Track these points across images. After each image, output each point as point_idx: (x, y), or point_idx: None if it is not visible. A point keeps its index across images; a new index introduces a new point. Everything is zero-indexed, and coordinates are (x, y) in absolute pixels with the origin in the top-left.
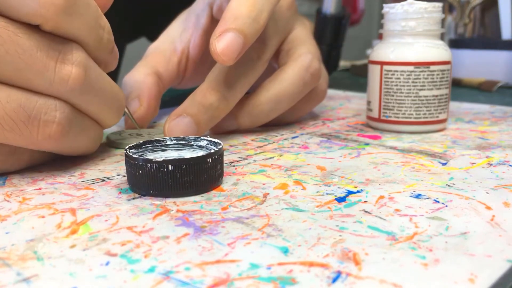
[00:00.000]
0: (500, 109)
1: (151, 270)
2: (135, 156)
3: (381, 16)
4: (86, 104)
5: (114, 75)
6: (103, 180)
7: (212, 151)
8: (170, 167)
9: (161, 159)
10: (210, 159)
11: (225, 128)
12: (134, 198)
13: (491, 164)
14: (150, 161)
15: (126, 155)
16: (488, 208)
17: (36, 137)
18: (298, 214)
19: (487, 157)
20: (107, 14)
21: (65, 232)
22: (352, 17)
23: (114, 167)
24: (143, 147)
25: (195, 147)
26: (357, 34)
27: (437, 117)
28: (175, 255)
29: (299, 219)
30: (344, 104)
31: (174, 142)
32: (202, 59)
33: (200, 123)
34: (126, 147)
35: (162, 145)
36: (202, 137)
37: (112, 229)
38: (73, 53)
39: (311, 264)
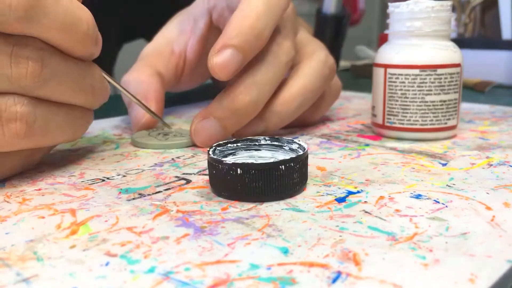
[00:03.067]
0: (500, 109)
1: (151, 270)
2: (211, 155)
3: (386, 16)
4: (50, 94)
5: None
6: (103, 180)
7: (294, 156)
8: (239, 171)
9: (231, 162)
10: (283, 166)
11: (252, 132)
12: (134, 199)
13: (491, 165)
14: (221, 162)
15: (208, 152)
16: (488, 208)
17: (4, 138)
18: (298, 215)
19: (487, 157)
20: (105, 15)
21: (65, 233)
22: (352, 17)
23: (114, 167)
24: (236, 145)
25: (287, 149)
26: (357, 34)
27: (445, 123)
28: (175, 256)
29: (299, 219)
30: (344, 104)
31: (268, 142)
32: (198, 64)
33: (226, 127)
34: (215, 144)
35: (255, 144)
36: (295, 140)
37: (112, 229)
38: (28, 46)
39: (311, 265)
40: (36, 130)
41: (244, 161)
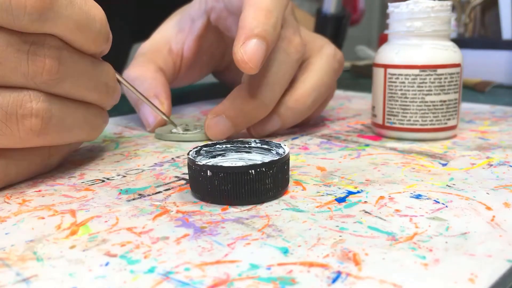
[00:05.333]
0: (500, 109)
1: (151, 270)
2: (189, 155)
3: (386, 16)
4: (67, 91)
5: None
6: (103, 181)
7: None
8: (209, 173)
9: (201, 163)
10: (253, 171)
11: (269, 129)
12: (134, 199)
13: (492, 165)
14: (194, 162)
15: (188, 152)
16: (488, 208)
17: (18, 134)
18: (298, 215)
19: (487, 157)
20: (119, 14)
21: (65, 233)
22: (352, 17)
23: (114, 167)
24: (225, 146)
25: (274, 153)
26: (357, 34)
27: (446, 123)
28: (174, 256)
29: (299, 219)
30: (344, 104)
31: (258, 145)
32: (194, 62)
33: (238, 126)
34: (202, 145)
35: (245, 147)
36: (282, 145)
37: (111, 230)
38: (45, 44)
39: (311, 265)
40: (52, 127)
41: (231, 163)
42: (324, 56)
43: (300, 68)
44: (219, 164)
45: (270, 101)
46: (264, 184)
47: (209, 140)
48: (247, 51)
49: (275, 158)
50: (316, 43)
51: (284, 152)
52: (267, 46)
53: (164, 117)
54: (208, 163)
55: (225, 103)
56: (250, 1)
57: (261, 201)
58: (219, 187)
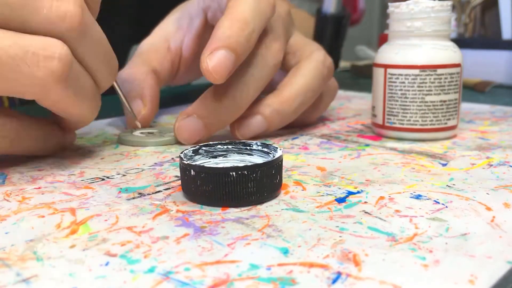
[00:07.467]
0: (500, 109)
1: (151, 270)
2: (182, 154)
3: (386, 16)
4: (84, 52)
5: None
6: (103, 179)
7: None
8: (192, 172)
9: (187, 162)
10: (234, 173)
11: (254, 131)
12: (134, 198)
13: (492, 165)
14: (181, 160)
15: (181, 153)
16: (488, 209)
17: (38, 73)
18: (298, 215)
19: (487, 157)
20: (117, 17)
21: (65, 232)
22: (352, 17)
23: (114, 166)
24: (226, 147)
25: (271, 156)
26: (357, 34)
27: (446, 123)
28: (175, 256)
29: (299, 219)
30: (344, 104)
31: (260, 148)
32: (193, 61)
33: (208, 126)
34: (202, 144)
35: (247, 149)
36: (279, 149)
37: (111, 229)
38: None
39: (311, 265)
40: (70, 79)
41: (233, 164)
42: (313, 62)
43: (288, 72)
44: (219, 164)
45: (242, 101)
46: (246, 188)
47: (180, 144)
48: (213, 61)
49: (260, 162)
50: (306, 49)
51: (273, 157)
52: (236, 58)
53: (133, 116)
54: (205, 163)
55: (196, 103)
56: (230, 9)
57: (243, 205)
58: (201, 187)
